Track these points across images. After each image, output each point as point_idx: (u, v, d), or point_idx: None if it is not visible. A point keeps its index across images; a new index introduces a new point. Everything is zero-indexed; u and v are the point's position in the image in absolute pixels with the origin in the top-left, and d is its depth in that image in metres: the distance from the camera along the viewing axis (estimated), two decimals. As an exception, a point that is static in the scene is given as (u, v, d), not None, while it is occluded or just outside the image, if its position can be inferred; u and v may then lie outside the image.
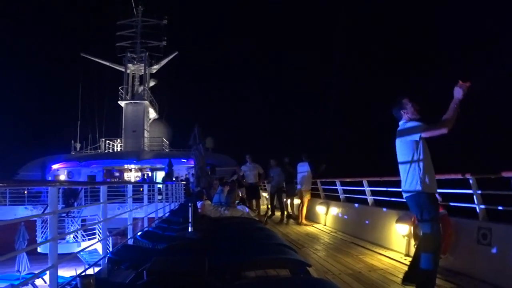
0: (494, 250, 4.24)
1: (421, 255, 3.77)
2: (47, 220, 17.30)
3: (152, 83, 35.94)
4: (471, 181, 4.76)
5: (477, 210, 4.70)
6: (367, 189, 7.93)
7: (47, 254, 3.04)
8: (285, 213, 11.37)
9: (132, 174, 30.85)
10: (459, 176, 4.89)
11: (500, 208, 4.46)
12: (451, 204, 5.19)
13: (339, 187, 9.60)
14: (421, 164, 3.76)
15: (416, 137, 3.76)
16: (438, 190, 5.31)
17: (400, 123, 4.05)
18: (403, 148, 3.93)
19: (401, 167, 3.97)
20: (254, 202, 12.39)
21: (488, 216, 4.63)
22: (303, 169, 10.49)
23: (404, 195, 3.99)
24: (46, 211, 17.22)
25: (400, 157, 3.98)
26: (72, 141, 31.83)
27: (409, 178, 3.83)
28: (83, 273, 3.59)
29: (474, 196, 4.75)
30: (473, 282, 4.27)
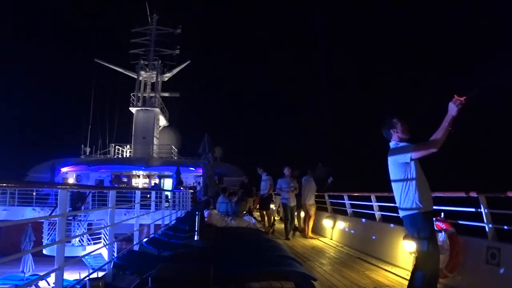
0: (502, 270, 4.18)
1: (418, 274, 3.65)
2: (53, 222, 17.40)
3: (166, 94, 36.21)
4: (480, 200, 4.71)
5: (486, 229, 4.64)
6: (375, 204, 7.88)
7: (52, 256, 3.06)
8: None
9: (140, 181, 30.92)
10: (469, 194, 4.84)
11: (510, 228, 4.40)
12: (460, 222, 5.13)
13: (346, 202, 9.54)
14: (414, 183, 3.65)
15: (406, 159, 3.66)
16: (447, 208, 5.28)
17: (391, 143, 3.93)
18: (394, 168, 3.83)
19: (394, 185, 3.87)
20: (265, 212, 12.41)
21: (498, 236, 4.57)
22: (308, 183, 10.51)
23: (401, 213, 3.87)
24: (53, 213, 17.32)
25: (392, 176, 3.88)
26: (82, 145, 32.07)
27: (404, 198, 3.72)
28: (89, 276, 3.60)
29: (483, 215, 4.69)
30: (480, 303, 4.20)
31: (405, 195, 3.71)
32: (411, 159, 3.66)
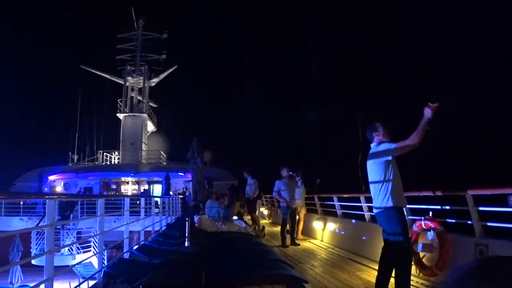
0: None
1: (399, 266, 3.96)
2: (42, 231, 17.19)
3: (153, 105, 36.12)
4: (467, 198, 4.77)
5: (474, 226, 4.71)
6: (364, 205, 7.93)
7: (41, 266, 3.04)
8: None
9: (129, 187, 30.70)
10: (456, 193, 4.91)
11: (497, 224, 4.47)
12: (448, 220, 5.20)
13: (336, 203, 9.58)
14: (392, 181, 4.04)
15: (389, 157, 4.06)
16: (434, 207, 5.36)
17: (372, 145, 4.33)
18: (375, 168, 4.20)
19: (372, 186, 4.26)
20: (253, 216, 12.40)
21: (485, 232, 4.63)
22: (298, 185, 10.52)
23: (375, 210, 4.25)
24: (42, 223, 17.10)
25: (372, 177, 4.26)
26: (70, 153, 31.78)
27: (381, 195, 4.10)
28: (79, 286, 3.57)
29: (471, 213, 4.76)
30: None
31: (382, 192, 4.07)
32: (393, 157, 4.05)
